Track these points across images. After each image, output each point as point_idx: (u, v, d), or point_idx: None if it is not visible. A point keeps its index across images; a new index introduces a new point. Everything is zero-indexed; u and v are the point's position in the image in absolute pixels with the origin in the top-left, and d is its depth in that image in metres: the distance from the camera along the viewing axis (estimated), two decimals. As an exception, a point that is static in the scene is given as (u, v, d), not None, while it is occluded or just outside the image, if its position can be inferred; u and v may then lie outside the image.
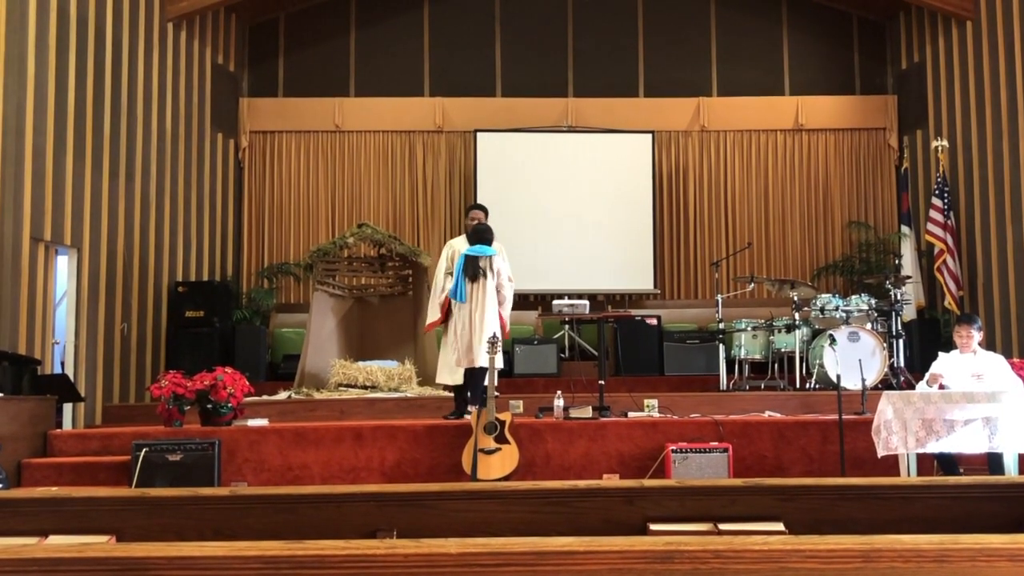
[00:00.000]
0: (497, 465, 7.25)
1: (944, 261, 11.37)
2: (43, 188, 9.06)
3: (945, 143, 11.65)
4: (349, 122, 13.28)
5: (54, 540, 3.64)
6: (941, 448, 6.65)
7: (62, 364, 9.57)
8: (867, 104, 13.47)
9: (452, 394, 8.60)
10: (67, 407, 9.11)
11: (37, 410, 7.92)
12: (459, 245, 8.50)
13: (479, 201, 12.67)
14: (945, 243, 11.38)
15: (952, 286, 11.32)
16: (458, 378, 8.23)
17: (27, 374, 8.17)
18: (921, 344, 10.95)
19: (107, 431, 8.28)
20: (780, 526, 3.69)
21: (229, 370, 8.07)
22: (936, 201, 11.50)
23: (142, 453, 7.10)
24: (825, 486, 3.89)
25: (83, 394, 9.22)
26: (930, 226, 11.54)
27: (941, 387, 7.04)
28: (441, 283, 8.35)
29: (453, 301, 8.06)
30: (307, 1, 13.49)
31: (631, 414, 8.25)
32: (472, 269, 8.04)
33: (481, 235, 8.28)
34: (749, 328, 10.23)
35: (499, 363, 7.79)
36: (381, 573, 2.49)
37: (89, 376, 9.72)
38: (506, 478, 7.12)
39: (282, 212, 13.24)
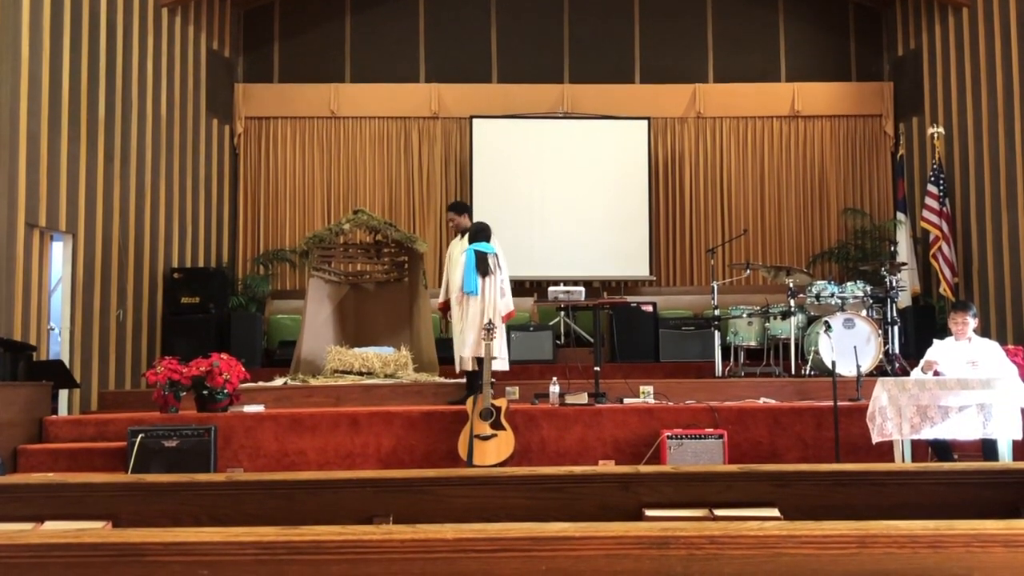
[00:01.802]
0: (493, 451, 7.28)
1: (939, 248, 11.38)
2: (38, 174, 9.04)
3: (941, 130, 11.64)
4: (345, 108, 13.25)
5: (50, 526, 3.64)
6: (935, 434, 6.67)
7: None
8: (863, 91, 13.46)
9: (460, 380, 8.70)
10: (63, 393, 9.10)
11: (33, 396, 7.92)
12: (455, 245, 8.92)
13: (475, 188, 12.74)
14: (940, 230, 11.39)
15: (947, 273, 11.34)
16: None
17: (23, 360, 8.18)
18: (916, 331, 10.97)
19: (103, 417, 8.29)
20: (775, 512, 3.70)
21: (225, 356, 8.07)
22: (932, 188, 11.50)
23: (138, 439, 7.11)
24: (820, 472, 3.90)
25: (79, 380, 9.22)
26: (926, 213, 11.54)
27: (936, 374, 7.06)
28: (443, 286, 8.95)
29: (466, 295, 8.19)
30: (303, -14, 13.45)
31: (627, 400, 8.26)
32: (483, 265, 8.25)
33: (484, 233, 8.52)
34: (745, 315, 10.24)
35: (498, 351, 8.01)
36: (377, 558, 2.50)
37: (85, 362, 9.71)
38: (502, 464, 7.15)
39: (278, 198, 13.22)
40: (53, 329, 9.46)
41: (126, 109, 10.56)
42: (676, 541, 2.51)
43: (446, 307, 8.82)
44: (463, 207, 9.23)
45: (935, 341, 7.49)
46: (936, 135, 11.59)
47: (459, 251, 8.70)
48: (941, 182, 11.46)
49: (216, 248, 12.67)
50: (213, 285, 11.45)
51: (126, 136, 10.55)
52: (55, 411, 8.54)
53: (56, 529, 3.47)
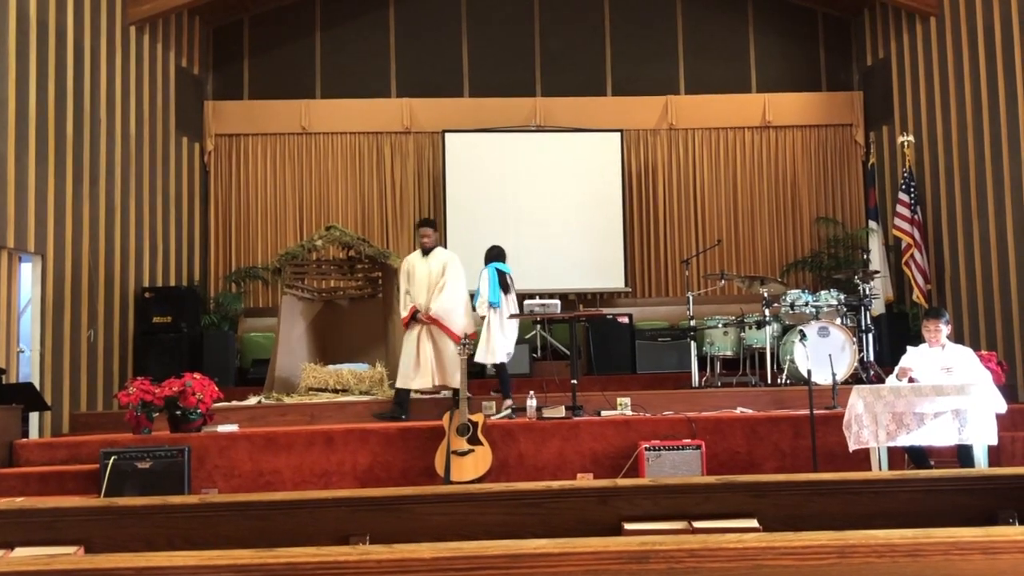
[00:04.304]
0: (470, 467, 7.24)
1: (912, 255, 11.45)
2: (5, 194, 8.93)
3: (911, 138, 11.73)
4: (316, 124, 13.21)
5: (20, 553, 3.58)
6: (912, 441, 6.69)
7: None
8: (833, 100, 13.56)
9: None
10: (33, 416, 8.98)
11: (2, 419, 7.81)
12: (416, 260, 8.95)
13: (448, 202, 12.72)
14: (912, 237, 11.47)
15: (920, 280, 11.41)
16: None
17: (-8, 383, 8.07)
18: (890, 338, 11.03)
19: (74, 439, 8.19)
20: (754, 523, 3.69)
21: (198, 376, 8.00)
22: (903, 196, 11.58)
23: (111, 461, 7.02)
24: (798, 482, 3.89)
25: (49, 402, 9.10)
26: (897, 221, 11.62)
27: (911, 381, 7.08)
28: (402, 300, 8.96)
29: (491, 307, 8.87)
30: (271, 3, 13.40)
31: (604, 413, 8.25)
32: (504, 283, 9.03)
33: (503, 255, 9.33)
34: (720, 325, 10.26)
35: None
36: (354, 580, 2.46)
37: (56, 384, 9.59)
38: (479, 480, 7.11)
39: (249, 215, 13.15)
40: (23, 351, 9.34)
41: (94, 128, 10.47)
42: (655, 555, 2.49)
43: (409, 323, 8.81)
44: (435, 224, 9.25)
45: (909, 348, 7.52)
46: (906, 143, 11.68)
47: (424, 268, 8.80)
48: (912, 190, 11.54)
49: (188, 266, 12.57)
50: (185, 304, 11.35)
51: (95, 155, 10.46)
52: (26, 434, 8.43)
53: (26, 556, 3.40)
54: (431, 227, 9.09)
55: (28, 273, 9.55)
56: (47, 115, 9.62)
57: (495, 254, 9.38)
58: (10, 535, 3.69)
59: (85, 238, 10.23)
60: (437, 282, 8.65)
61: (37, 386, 8.99)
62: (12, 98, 9.06)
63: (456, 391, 8.48)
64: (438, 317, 8.54)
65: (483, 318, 9.03)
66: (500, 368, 9.00)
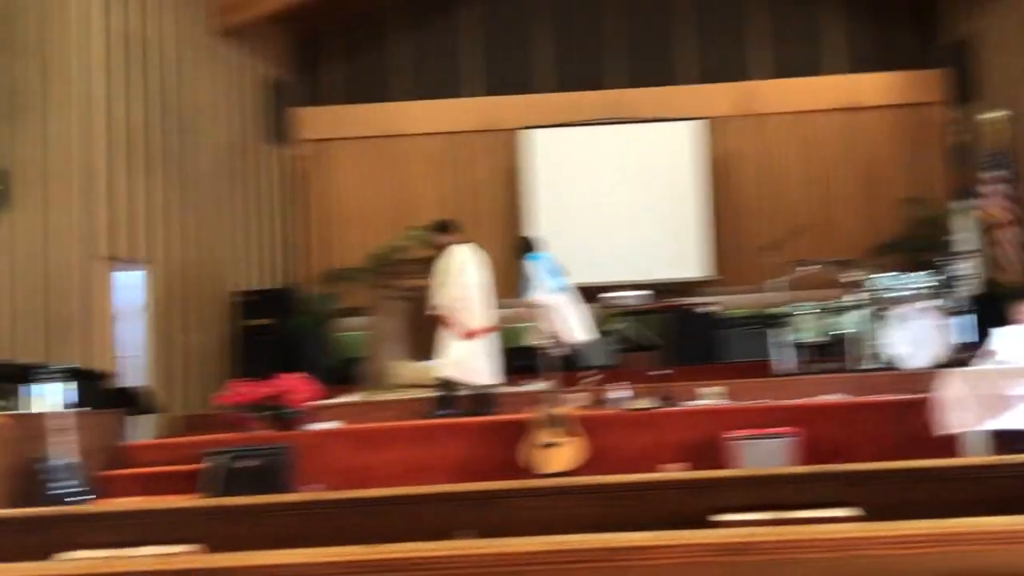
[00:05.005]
0: (560, 459, 7.29)
1: (1004, 235, 11.18)
2: (115, 207, 9.36)
3: (1002, 114, 11.43)
4: (401, 126, 13.39)
5: (139, 551, 3.75)
6: (1003, 424, 6.57)
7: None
8: (919, 78, 13.25)
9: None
10: (142, 419, 9.31)
11: (113, 423, 8.13)
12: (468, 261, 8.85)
13: (531, 199, 12.79)
14: (1004, 216, 11.19)
15: (1013, 259, 11.13)
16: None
17: (103, 388, 8.38)
18: (983, 320, 10.76)
19: (180, 441, 8.48)
20: (852, 512, 3.67)
21: (297, 375, 8.21)
22: (993, 174, 11.31)
23: (216, 461, 7.25)
24: (893, 470, 3.87)
25: (157, 405, 9.43)
26: (989, 199, 11.34)
27: (1000, 363, 6.95)
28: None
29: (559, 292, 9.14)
30: (355, 8, 13.60)
31: (693, 403, 8.24)
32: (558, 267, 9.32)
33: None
34: (809, 311, 10.14)
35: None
36: (456, 574, 2.55)
37: (163, 387, 9.92)
38: (569, 472, 7.16)
39: (340, 218, 13.39)
40: (132, 356, 9.68)
41: (193, 138, 10.82)
42: (752, 547, 2.51)
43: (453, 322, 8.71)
44: (442, 226, 9.16)
45: (998, 330, 7.36)
46: (996, 120, 11.39)
47: (472, 263, 8.74)
48: (1004, 167, 11.26)
49: (283, 269, 12.87)
50: (281, 306, 11.65)
51: (194, 165, 10.81)
52: (136, 436, 8.74)
53: (145, 555, 3.57)
54: (435, 231, 9.16)
55: (137, 281, 9.91)
56: (143, 128, 9.96)
57: (533, 243, 9.52)
58: (127, 535, 3.86)
59: (187, 246, 10.60)
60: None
61: (146, 389, 9.32)
62: (124, 116, 9.48)
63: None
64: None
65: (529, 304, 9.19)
66: (576, 349, 9.31)
